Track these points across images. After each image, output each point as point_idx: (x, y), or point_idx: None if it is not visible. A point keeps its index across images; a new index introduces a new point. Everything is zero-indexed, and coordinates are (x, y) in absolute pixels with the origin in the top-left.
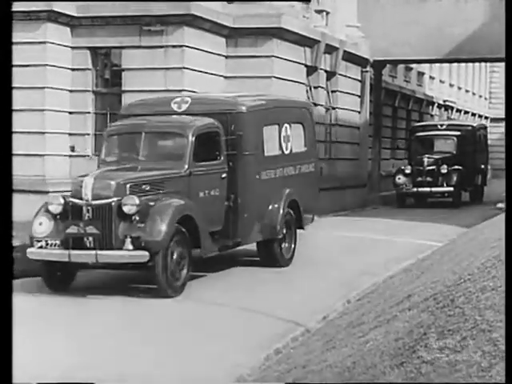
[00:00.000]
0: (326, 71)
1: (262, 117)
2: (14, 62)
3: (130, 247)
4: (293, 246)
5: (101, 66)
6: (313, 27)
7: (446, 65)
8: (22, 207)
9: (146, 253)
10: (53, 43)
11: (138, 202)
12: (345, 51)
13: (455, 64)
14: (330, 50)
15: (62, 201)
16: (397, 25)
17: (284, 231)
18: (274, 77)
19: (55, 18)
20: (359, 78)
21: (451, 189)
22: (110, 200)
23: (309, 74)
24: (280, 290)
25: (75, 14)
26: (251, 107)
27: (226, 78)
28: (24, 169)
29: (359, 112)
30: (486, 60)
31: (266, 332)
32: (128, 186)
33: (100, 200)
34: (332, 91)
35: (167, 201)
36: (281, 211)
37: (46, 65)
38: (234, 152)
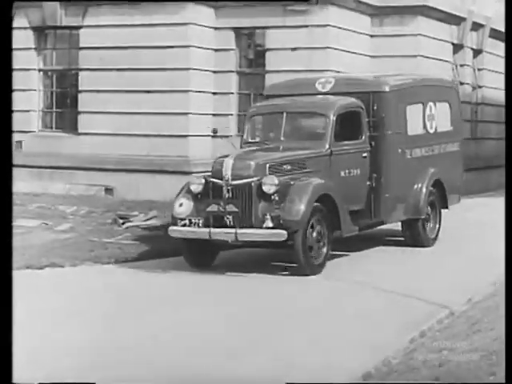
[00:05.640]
0: (472, 49)
1: (404, 96)
2: (157, 44)
3: (270, 225)
4: (437, 226)
5: (244, 47)
6: (459, 4)
7: None
8: (168, 187)
9: (285, 232)
10: (196, 24)
11: (277, 181)
12: (491, 28)
13: None
14: (477, 27)
15: (203, 181)
16: None
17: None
18: (420, 55)
19: None
20: None
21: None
22: (249, 180)
23: (455, 52)
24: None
25: None
26: (393, 86)
27: (371, 57)
28: (169, 150)
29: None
30: None
31: (411, 314)
32: (267, 165)
33: (240, 180)
34: (478, 69)
35: (306, 180)
36: (424, 190)
37: (190, 46)
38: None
